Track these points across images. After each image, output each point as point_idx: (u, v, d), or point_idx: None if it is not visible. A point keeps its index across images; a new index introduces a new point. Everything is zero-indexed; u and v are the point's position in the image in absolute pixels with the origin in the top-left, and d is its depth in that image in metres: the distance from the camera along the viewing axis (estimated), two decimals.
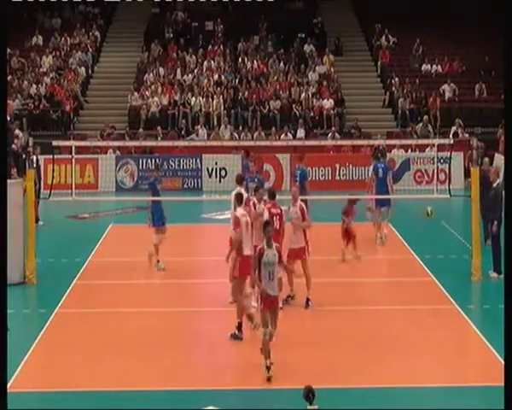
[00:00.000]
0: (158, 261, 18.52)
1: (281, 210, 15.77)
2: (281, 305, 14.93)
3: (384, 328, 14.63)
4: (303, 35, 38.80)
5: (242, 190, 15.90)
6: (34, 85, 35.52)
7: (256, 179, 19.03)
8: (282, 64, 37.25)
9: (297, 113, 34.72)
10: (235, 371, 12.87)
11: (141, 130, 33.32)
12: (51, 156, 20.81)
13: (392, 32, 39.10)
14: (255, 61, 37.19)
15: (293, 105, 35.01)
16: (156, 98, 35.02)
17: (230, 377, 12.65)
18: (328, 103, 34.95)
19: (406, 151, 30.93)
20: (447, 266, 18.85)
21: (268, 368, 12.07)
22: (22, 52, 37.84)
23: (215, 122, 34.30)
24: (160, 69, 36.86)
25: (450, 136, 30.66)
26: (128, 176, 30.34)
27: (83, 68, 37.26)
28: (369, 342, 13.82)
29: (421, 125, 33.47)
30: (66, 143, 26.19)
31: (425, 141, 30.17)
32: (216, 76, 36.38)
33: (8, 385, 10.92)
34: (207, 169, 30.36)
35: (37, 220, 21.54)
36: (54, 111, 34.68)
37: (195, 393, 11.87)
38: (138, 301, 16.54)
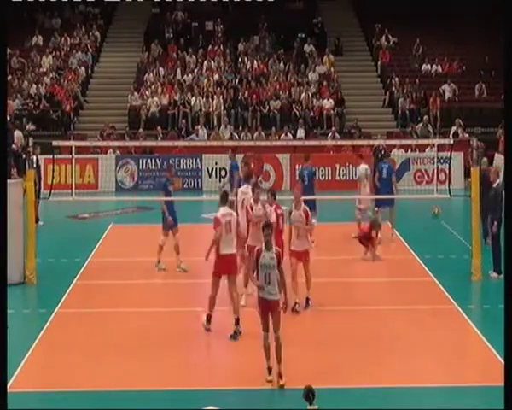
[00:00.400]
0: (158, 261, 18.54)
1: (282, 211, 15.82)
2: (297, 308, 15.08)
3: (384, 328, 14.62)
4: (303, 35, 38.79)
5: (249, 189, 16.15)
6: (34, 85, 35.52)
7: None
8: (281, 64, 37.25)
9: (297, 113, 34.70)
10: (235, 371, 12.85)
11: (141, 130, 33.31)
12: (51, 156, 20.80)
13: (392, 32, 39.10)
14: (255, 61, 37.18)
15: (293, 105, 35.00)
16: (156, 98, 35.01)
17: (230, 377, 12.63)
18: (328, 103, 34.94)
19: (406, 151, 30.91)
20: (447, 266, 18.83)
21: (269, 370, 12.08)
22: (22, 52, 37.84)
23: (215, 122, 34.29)
24: (160, 69, 36.85)
25: (450, 136, 30.64)
26: (128, 176, 30.35)
27: (83, 68, 37.26)
28: (370, 342, 13.81)
29: (421, 125, 33.45)
30: (66, 143, 26.17)
31: (425, 141, 30.14)
32: (216, 76, 36.37)
33: (8, 385, 10.92)
34: (207, 169, 30.38)
35: (37, 220, 21.53)
36: (54, 111, 34.68)
37: (195, 393, 11.86)
38: (138, 301, 16.52)
